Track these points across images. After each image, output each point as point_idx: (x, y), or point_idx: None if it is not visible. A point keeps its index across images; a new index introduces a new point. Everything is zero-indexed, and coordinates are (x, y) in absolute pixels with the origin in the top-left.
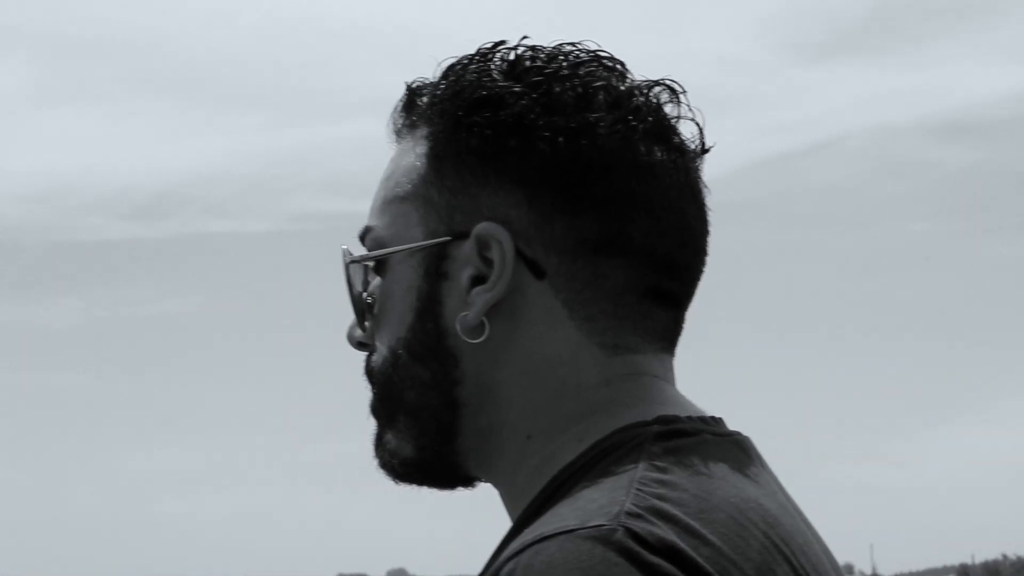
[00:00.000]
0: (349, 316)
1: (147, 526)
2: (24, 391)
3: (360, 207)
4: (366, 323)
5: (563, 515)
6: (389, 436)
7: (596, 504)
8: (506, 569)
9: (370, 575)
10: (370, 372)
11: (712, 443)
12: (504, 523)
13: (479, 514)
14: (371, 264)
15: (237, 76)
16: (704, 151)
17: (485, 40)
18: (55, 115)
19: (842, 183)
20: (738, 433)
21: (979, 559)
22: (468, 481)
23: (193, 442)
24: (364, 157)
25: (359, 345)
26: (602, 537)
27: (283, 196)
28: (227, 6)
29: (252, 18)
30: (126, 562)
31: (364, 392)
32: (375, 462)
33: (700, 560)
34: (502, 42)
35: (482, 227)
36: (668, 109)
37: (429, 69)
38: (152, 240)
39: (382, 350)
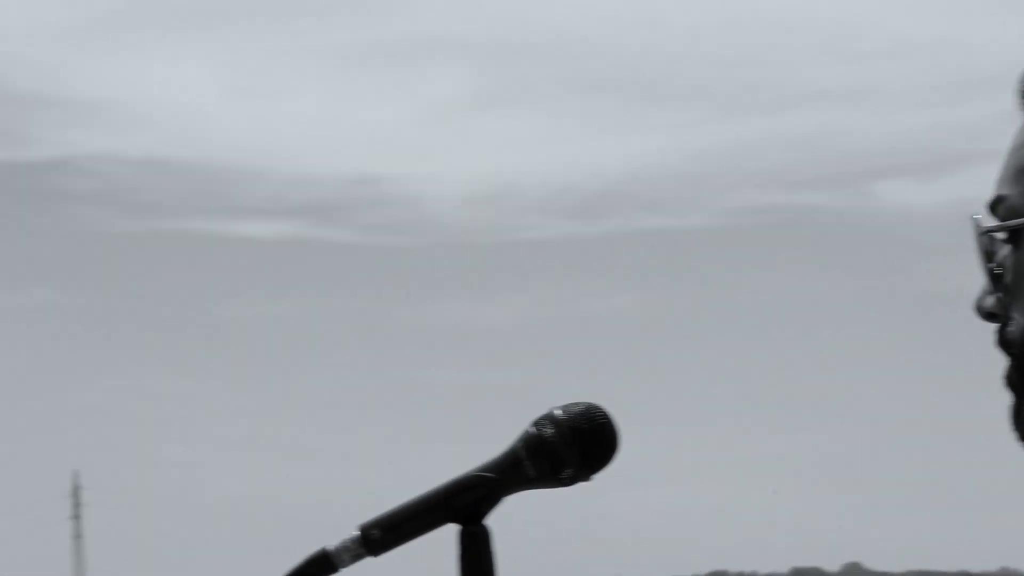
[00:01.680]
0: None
1: (590, 521)
2: (468, 389)
3: (797, 199)
4: (997, 294)
5: None
6: None
7: None
8: None
9: (825, 569)
10: (1006, 343)
11: None
12: (955, 515)
13: (937, 508)
14: (1002, 235)
15: (672, 73)
16: None
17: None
18: (497, 119)
19: None
20: None
21: None
22: None
23: (633, 439)
24: (801, 150)
25: (988, 316)
26: None
27: (721, 191)
28: (660, 5)
29: (686, 17)
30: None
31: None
32: (1014, 435)
33: None
34: None
35: None
36: None
37: (862, 62)
38: (592, 237)
39: (1020, 321)
